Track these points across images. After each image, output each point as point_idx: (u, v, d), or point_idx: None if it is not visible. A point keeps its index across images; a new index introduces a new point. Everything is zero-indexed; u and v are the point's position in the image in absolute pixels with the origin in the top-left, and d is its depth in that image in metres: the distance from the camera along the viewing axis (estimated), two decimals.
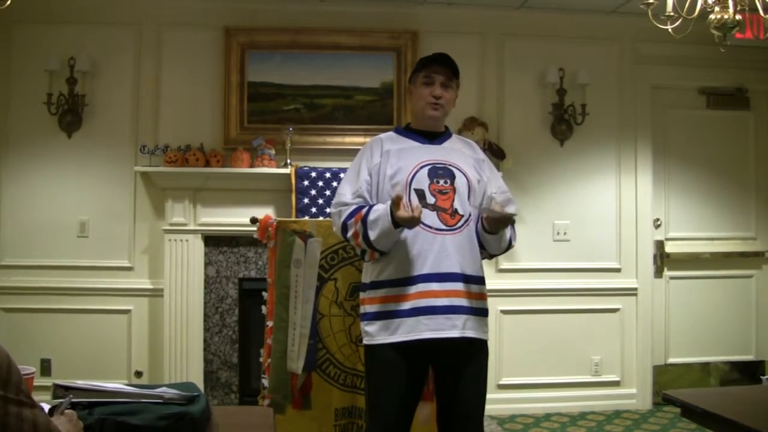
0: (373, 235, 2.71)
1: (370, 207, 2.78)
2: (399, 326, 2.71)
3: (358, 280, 3.14)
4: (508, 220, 2.77)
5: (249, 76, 4.96)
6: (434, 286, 2.72)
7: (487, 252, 2.94)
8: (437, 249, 2.74)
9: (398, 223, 2.65)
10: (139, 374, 4.90)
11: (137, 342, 4.92)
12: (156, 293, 4.90)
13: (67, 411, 1.63)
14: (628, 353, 5.29)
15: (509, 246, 2.94)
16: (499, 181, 3.07)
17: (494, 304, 4.57)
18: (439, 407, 2.88)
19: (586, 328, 5.23)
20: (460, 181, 2.83)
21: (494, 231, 2.81)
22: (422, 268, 2.73)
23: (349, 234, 2.80)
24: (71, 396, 1.79)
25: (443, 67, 2.91)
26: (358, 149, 3.07)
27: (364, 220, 2.73)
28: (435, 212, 2.75)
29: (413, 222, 2.64)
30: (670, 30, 3.36)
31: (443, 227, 2.75)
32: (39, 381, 3.01)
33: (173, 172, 4.75)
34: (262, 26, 4.96)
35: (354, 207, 2.82)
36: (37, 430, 1.39)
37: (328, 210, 4.54)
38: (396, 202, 2.63)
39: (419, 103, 2.94)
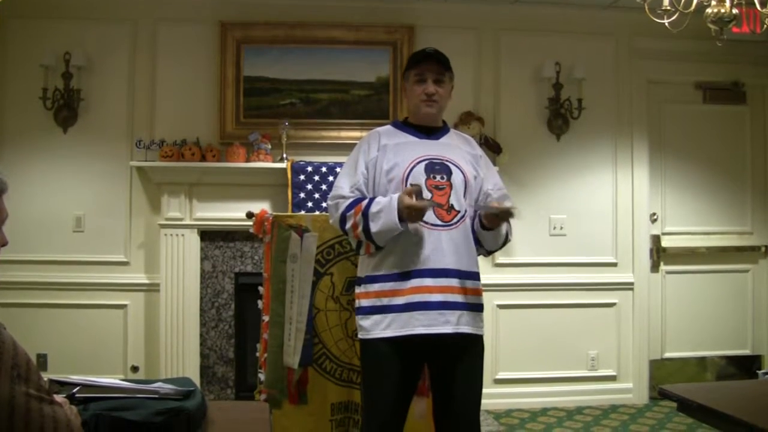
0: (374, 227, 2.70)
1: (371, 199, 2.77)
2: (392, 321, 2.72)
3: (354, 275, 3.14)
4: (508, 214, 2.75)
5: (245, 71, 4.95)
6: (428, 282, 2.72)
7: (483, 248, 2.94)
8: (432, 245, 2.74)
9: (402, 217, 2.66)
10: (135, 369, 4.90)
11: (133, 337, 4.92)
12: (152, 288, 4.89)
13: (60, 399, 1.63)
14: (624, 348, 5.29)
15: (506, 241, 2.95)
16: (496, 177, 3.07)
17: (490, 299, 4.58)
18: (435, 402, 2.88)
19: (583, 323, 5.24)
20: (456, 177, 2.82)
21: (493, 227, 2.81)
22: (417, 263, 2.73)
23: (348, 225, 2.80)
24: (75, 391, 1.80)
25: (434, 63, 2.90)
26: (354, 144, 3.06)
27: (365, 213, 2.73)
28: (431, 208, 2.75)
29: (419, 215, 2.66)
30: (666, 24, 3.36)
31: (439, 223, 2.75)
32: None
33: (169, 166, 4.74)
34: (257, 21, 4.95)
35: (352, 199, 2.81)
36: (57, 425, 1.40)
37: (324, 204, 4.53)
38: (410, 192, 2.65)
39: (413, 100, 2.94)
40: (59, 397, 1.62)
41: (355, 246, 2.89)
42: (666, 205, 5.49)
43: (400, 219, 2.66)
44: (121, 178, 4.91)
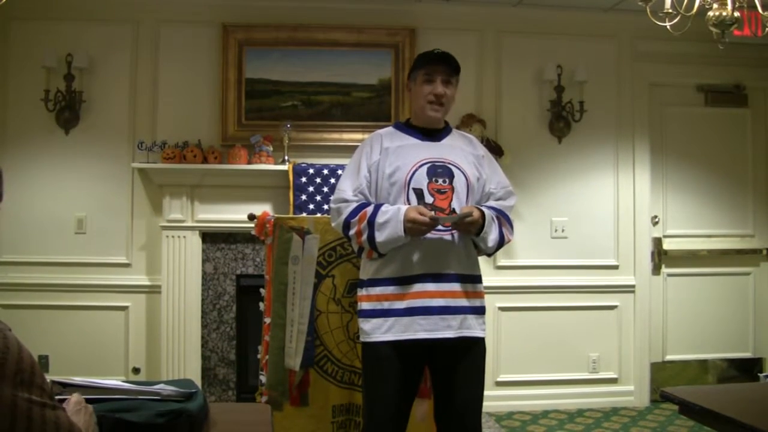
0: (380, 237, 2.71)
1: (377, 207, 2.77)
2: (394, 325, 2.73)
3: (355, 277, 3.14)
4: (459, 224, 2.75)
5: (246, 73, 4.95)
6: (430, 287, 2.73)
7: (481, 251, 2.94)
8: (434, 249, 2.75)
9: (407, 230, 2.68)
10: (136, 371, 4.90)
11: (135, 339, 4.92)
12: (153, 290, 4.90)
13: (74, 398, 1.62)
14: (625, 350, 5.29)
15: (500, 244, 2.92)
16: (500, 176, 3.05)
17: (492, 301, 4.58)
18: (437, 404, 2.88)
19: (584, 325, 5.23)
20: (458, 181, 2.82)
21: (468, 234, 2.81)
22: (419, 267, 2.74)
23: (352, 232, 2.79)
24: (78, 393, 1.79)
25: (444, 65, 2.89)
26: (356, 146, 3.06)
27: (371, 221, 2.73)
28: (433, 212, 2.74)
29: (421, 231, 2.68)
30: (668, 27, 3.35)
31: (441, 227, 2.75)
32: None
33: (171, 168, 4.74)
34: (259, 23, 4.95)
35: (356, 205, 2.81)
36: (60, 431, 1.39)
37: (326, 206, 4.53)
38: (421, 211, 2.67)
39: (419, 101, 2.91)
40: (75, 396, 1.62)
41: (357, 250, 2.90)
42: (667, 208, 5.49)
43: (406, 231, 2.68)
44: (123, 180, 4.91)
